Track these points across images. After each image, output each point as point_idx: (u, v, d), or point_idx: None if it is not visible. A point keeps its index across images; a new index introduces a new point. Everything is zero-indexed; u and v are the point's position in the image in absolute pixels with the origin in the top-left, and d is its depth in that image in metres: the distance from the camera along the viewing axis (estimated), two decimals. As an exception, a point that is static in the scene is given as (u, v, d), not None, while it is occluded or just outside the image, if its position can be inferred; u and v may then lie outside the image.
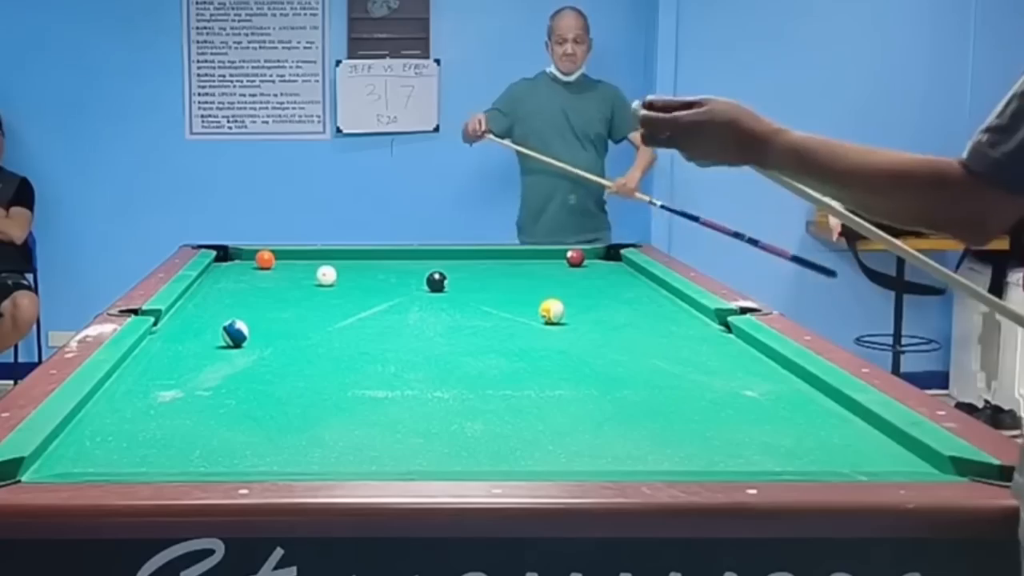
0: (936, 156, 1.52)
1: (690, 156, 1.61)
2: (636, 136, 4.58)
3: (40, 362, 4.61)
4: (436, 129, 5.66)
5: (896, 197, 1.51)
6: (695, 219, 3.28)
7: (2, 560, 1.47)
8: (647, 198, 4.51)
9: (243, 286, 3.48)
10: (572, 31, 4.85)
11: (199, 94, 5.61)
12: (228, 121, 5.64)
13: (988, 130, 1.46)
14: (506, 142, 4.86)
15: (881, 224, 1.58)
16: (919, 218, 1.52)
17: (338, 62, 5.59)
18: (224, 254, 3.89)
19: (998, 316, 5.16)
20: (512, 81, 4.97)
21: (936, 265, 1.60)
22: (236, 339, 2.55)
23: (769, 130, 1.57)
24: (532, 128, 4.84)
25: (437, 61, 5.60)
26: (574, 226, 4.75)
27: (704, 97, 1.57)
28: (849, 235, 5.15)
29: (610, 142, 4.94)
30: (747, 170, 1.60)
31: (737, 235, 2.90)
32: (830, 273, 2.72)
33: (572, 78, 4.87)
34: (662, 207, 4.18)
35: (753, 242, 2.74)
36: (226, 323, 2.57)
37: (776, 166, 1.57)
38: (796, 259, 2.95)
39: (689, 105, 1.57)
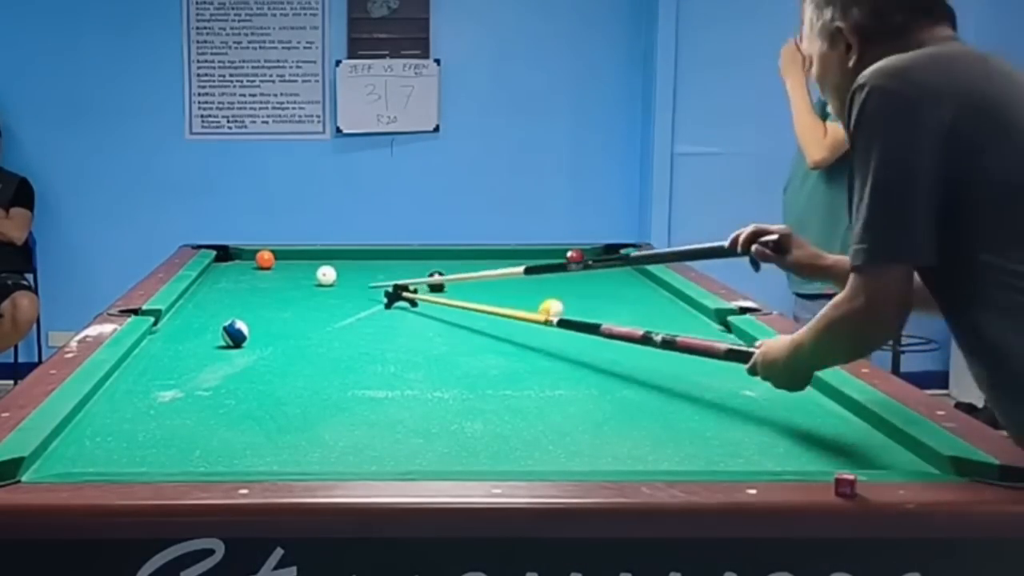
0: None
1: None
2: None
3: (40, 362, 4.61)
4: (436, 129, 5.66)
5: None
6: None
7: (2, 560, 1.47)
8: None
9: (243, 286, 3.48)
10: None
11: (199, 94, 5.61)
12: (228, 121, 5.64)
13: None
14: None
15: None
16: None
17: (338, 62, 5.59)
18: (224, 254, 3.90)
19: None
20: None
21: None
22: (236, 339, 2.55)
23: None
24: None
25: (437, 61, 5.60)
26: None
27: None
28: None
29: None
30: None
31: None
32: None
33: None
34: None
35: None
36: (226, 323, 2.57)
37: None
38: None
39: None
